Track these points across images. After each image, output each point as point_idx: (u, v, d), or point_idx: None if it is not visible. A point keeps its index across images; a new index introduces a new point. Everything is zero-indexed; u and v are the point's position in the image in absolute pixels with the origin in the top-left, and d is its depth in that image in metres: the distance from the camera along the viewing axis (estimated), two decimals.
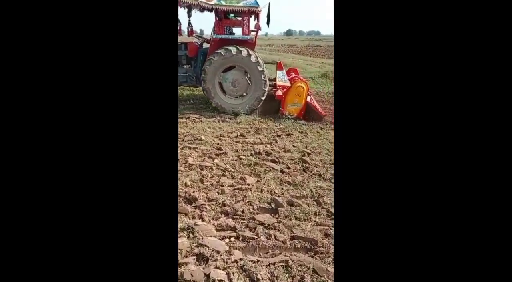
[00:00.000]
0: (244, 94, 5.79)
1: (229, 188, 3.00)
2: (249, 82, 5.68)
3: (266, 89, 5.64)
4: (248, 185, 3.07)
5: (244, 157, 3.75)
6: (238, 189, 2.97)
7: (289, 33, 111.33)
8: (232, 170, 3.40)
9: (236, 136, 4.58)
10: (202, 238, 2.21)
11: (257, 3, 5.34)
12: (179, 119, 5.33)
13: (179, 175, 3.27)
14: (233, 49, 5.32)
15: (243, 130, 4.87)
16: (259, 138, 4.50)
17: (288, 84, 6.18)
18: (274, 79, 6.45)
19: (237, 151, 3.98)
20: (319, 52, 24.59)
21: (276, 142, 4.37)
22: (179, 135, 4.54)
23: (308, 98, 5.77)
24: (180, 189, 2.98)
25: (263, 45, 35.21)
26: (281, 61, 6.86)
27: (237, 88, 5.70)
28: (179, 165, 3.50)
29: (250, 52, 5.43)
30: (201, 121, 5.33)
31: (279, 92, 5.86)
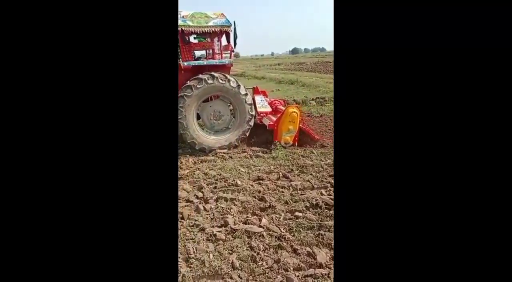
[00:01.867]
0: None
1: (296, 273, 2.09)
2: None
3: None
4: (321, 266, 2.16)
5: (300, 214, 2.85)
6: (310, 275, 2.06)
7: (295, 51, 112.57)
8: (291, 238, 2.50)
9: (278, 179, 3.72)
10: None
11: (229, 22, 4.52)
12: (204, 158, 4.54)
13: (221, 246, 2.40)
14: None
15: (284, 169, 4.00)
16: (308, 181, 3.60)
17: (268, 109, 5.48)
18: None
19: (286, 203, 3.09)
20: (331, 68, 23.93)
21: (333, 186, 3.46)
22: (210, 179, 3.72)
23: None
24: (226, 273, 2.09)
25: (272, 64, 35.04)
26: (257, 86, 6.07)
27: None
28: (218, 228, 2.63)
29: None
30: (231, 157, 4.50)
31: (267, 121, 5.02)
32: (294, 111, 4.79)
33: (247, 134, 4.83)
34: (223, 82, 4.48)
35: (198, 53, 5.26)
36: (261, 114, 5.33)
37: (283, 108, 5.38)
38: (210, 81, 4.43)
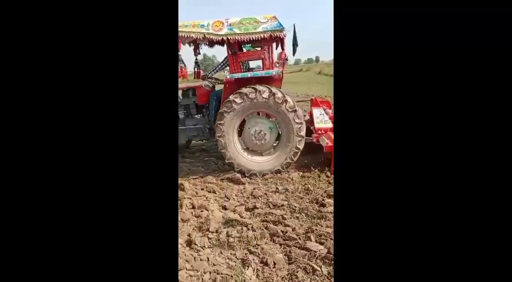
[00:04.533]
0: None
1: None
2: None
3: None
4: None
5: None
6: None
7: None
8: None
9: None
10: None
11: (281, 25, 3.75)
12: (300, 171, 4.07)
13: None
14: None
15: None
16: None
17: (329, 125, 4.26)
18: (308, 121, 4.54)
19: None
20: None
21: None
22: (322, 192, 3.25)
23: None
24: None
25: None
26: (317, 97, 4.83)
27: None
28: None
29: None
30: None
31: (325, 141, 3.96)
32: None
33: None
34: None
35: (252, 63, 4.59)
36: (319, 132, 4.26)
37: None
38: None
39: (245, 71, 4.15)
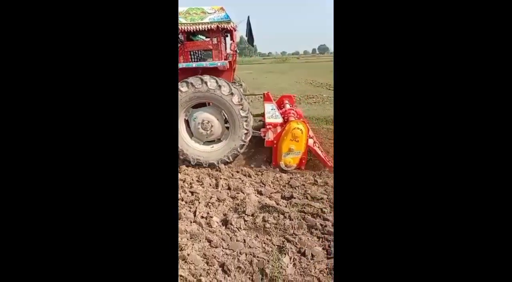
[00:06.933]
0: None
1: None
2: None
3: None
4: None
5: None
6: None
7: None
8: None
9: None
10: None
11: (228, 17, 3.73)
12: None
13: None
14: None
15: None
16: None
17: (280, 120, 4.35)
18: (262, 115, 4.62)
19: None
20: None
21: None
22: None
23: (310, 142, 3.98)
24: None
25: None
26: (268, 92, 4.56)
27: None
28: None
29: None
30: None
31: (269, 137, 4.02)
32: (298, 128, 3.83)
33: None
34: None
35: (205, 53, 4.48)
36: (268, 126, 4.27)
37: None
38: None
39: (198, 62, 4.07)
